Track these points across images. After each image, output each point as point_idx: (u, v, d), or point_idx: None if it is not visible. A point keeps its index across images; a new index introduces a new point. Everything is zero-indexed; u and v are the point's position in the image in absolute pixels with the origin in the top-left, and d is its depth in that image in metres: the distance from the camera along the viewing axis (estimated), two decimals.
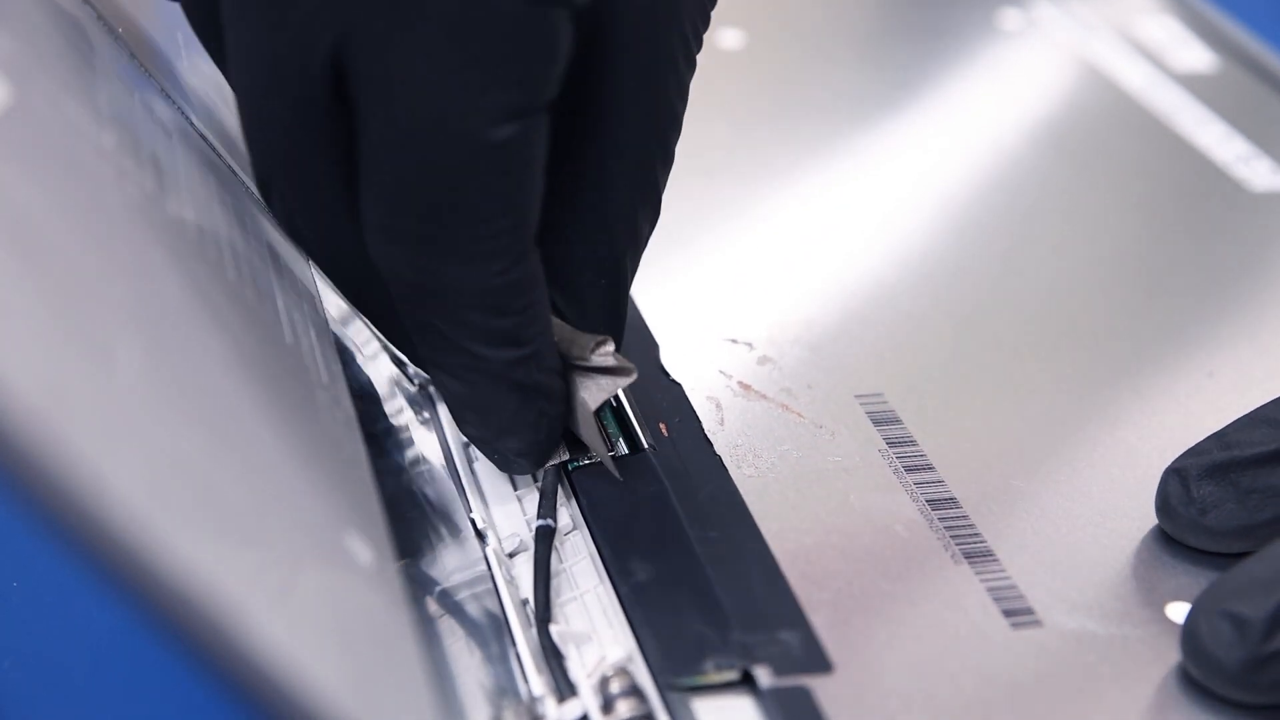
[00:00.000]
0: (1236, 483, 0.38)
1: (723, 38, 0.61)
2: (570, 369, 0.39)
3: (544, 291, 0.36)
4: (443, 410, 0.43)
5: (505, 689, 0.36)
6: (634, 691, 0.35)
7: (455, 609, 0.37)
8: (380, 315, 0.39)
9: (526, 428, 0.38)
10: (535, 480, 0.41)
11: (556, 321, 0.39)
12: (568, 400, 0.39)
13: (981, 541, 0.39)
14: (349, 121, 0.34)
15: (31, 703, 0.39)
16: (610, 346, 0.38)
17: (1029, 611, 0.37)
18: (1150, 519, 0.40)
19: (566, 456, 0.40)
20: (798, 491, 0.40)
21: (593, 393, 0.39)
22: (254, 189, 0.41)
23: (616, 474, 0.39)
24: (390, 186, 0.34)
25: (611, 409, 0.42)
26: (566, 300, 0.39)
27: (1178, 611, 0.38)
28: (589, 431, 0.39)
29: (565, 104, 0.35)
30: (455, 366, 0.37)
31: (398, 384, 0.43)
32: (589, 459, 0.40)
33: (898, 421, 0.43)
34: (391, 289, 0.36)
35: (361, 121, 0.33)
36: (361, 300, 0.38)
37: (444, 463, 0.41)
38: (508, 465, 0.40)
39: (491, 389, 0.37)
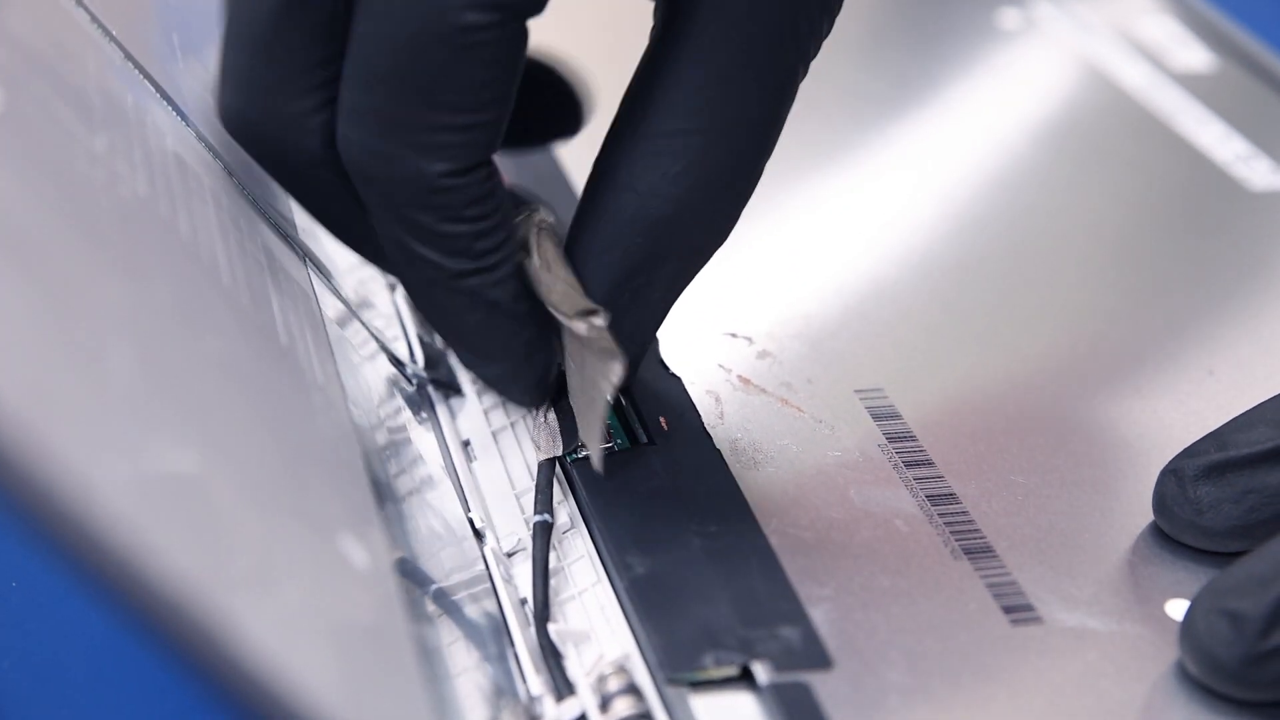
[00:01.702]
0: (1233, 483, 0.38)
1: None
2: (566, 333, 0.38)
3: (506, 212, 0.37)
4: (441, 410, 0.43)
5: (503, 689, 0.36)
6: (632, 689, 0.35)
7: (453, 609, 0.37)
8: (329, 220, 0.39)
9: (499, 351, 0.38)
10: (533, 477, 0.41)
11: (559, 275, 0.38)
12: (557, 335, 0.39)
13: (981, 537, 0.39)
14: (336, 9, 0.35)
15: (31, 703, 0.39)
16: (599, 320, 0.37)
17: (1028, 608, 0.37)
18: (1150, 516, 0.40)
19: (560, 452, 0.40)
20: (797, 486, 0.40)
21: (591, 367, 0.38)
22: (250, 191, 0.41)
23: (599, 466, 0.39)
24: (364, 61, 0.35)
25: (609, 402, 0.42)
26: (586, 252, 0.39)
27: (1177, 608, 0.37)
28: (588, 410, 0.39)
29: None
30: (415, 280, 0.37)
31: (395, 384, 0.43)
32: (585, 450, 0.40)
33: (897, 417, 0.43)
34: (356, 185, 0.36)
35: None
36: (308, 205, 0.39)
37: (442, 463, 0.41)
38: (505, 396, 0.41)
39: (449, 302, 0.37)
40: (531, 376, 0.39)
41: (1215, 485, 0.38)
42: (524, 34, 0.35)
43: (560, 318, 0.38)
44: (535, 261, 0.38)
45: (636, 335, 0.39)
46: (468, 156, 0.35)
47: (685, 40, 0.37)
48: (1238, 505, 0.38)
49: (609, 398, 0.38)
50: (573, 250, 0.38)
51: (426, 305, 0.38)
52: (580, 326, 0.37)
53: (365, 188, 0.36)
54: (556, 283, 0.38)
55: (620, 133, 0.38)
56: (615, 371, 0.38)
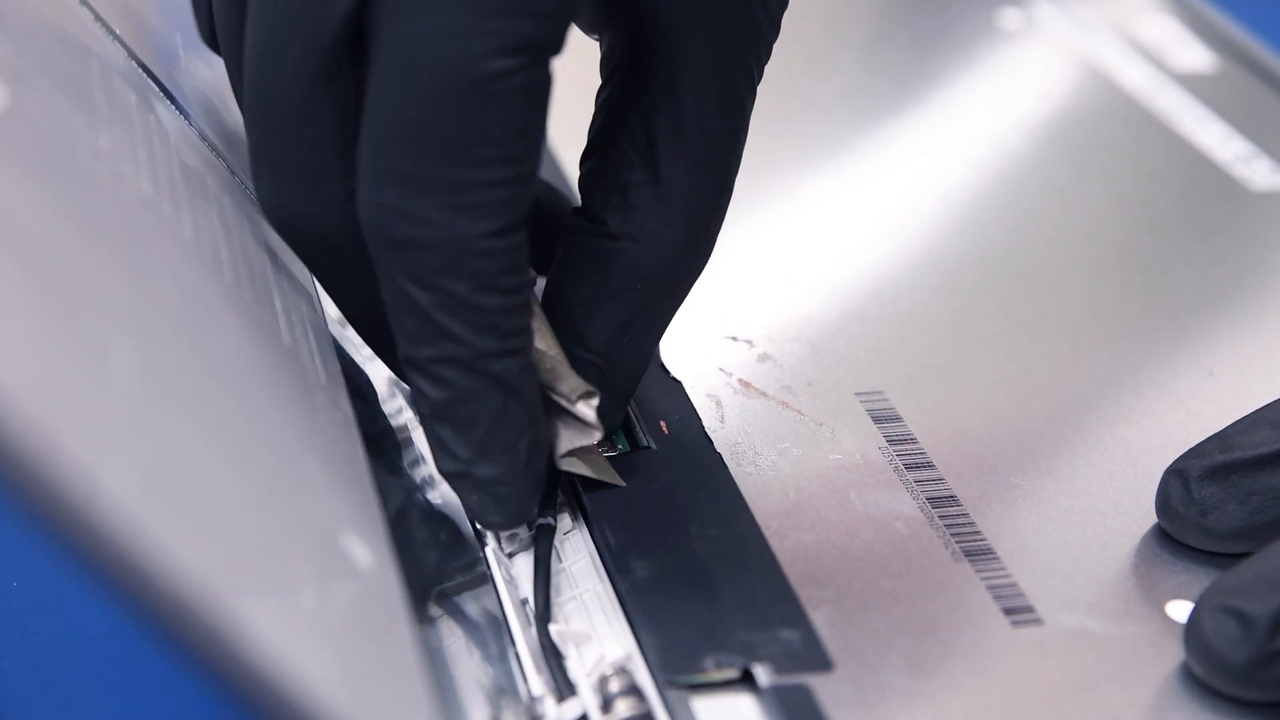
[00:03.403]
0: (1237, 484, 0.38)
1: None
2: (547, 403, 0.38)
3: (531, 291, 0.35)
4: None
5: (504, 689, 0.36)
6: (633, 690, 0.35)
7: (454, 609, 0.37)
8: (362, 315, 0.38)
9: (504, 449, 0.36)
10: None
11: (551, 350, 0.37)
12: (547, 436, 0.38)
13: (982, 540, 0.39)
14: (357, 82, 0.34)
15: (31, 703, 0.39)
16: (595, 401, 0.37)
17: (1029, 610, 0.37)
18: (1151, 517, 0.40)
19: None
20: (798, 489, 0.40)
21: (564, 439, 0.38)
22: (253, 189, 0.41)
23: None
24: (390, 123, 0.33)
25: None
26: (575, 327, 0.38)
27: (1178, 610, 0.38)
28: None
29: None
30: (433, 360, 0.35)
31: (397, 384, 0.43)
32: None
33: (898, 419, 0.43)
34: (376, 257, 0.35)
35: (372, 58, 0.33)
36: (345, 298, 0.38)
37: None
38: (485, 510, 0.37)
39: (468, 385, 0.35)
40: (528, 485, 0.37)
41: (1220, 486, 0.38)
42: (550, 77, 0.34)
43: (558, 398, 0.38)
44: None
45: (632, 381, 0.40)
46: (508, 214, 0.34)
47: (652, 80, 0.37)
48: (1242, 507, 0.38)
49: (566, 466, 0.38)
50: (568, 304, 0.38)
51: (437, 395, 0.36)
52: (584, 411, 0.37)
53: (392, 256, 0.34)
54: (546, 357, 0.37)
55: (603, 180, 0.38)
56: (595, 438, 0.38)
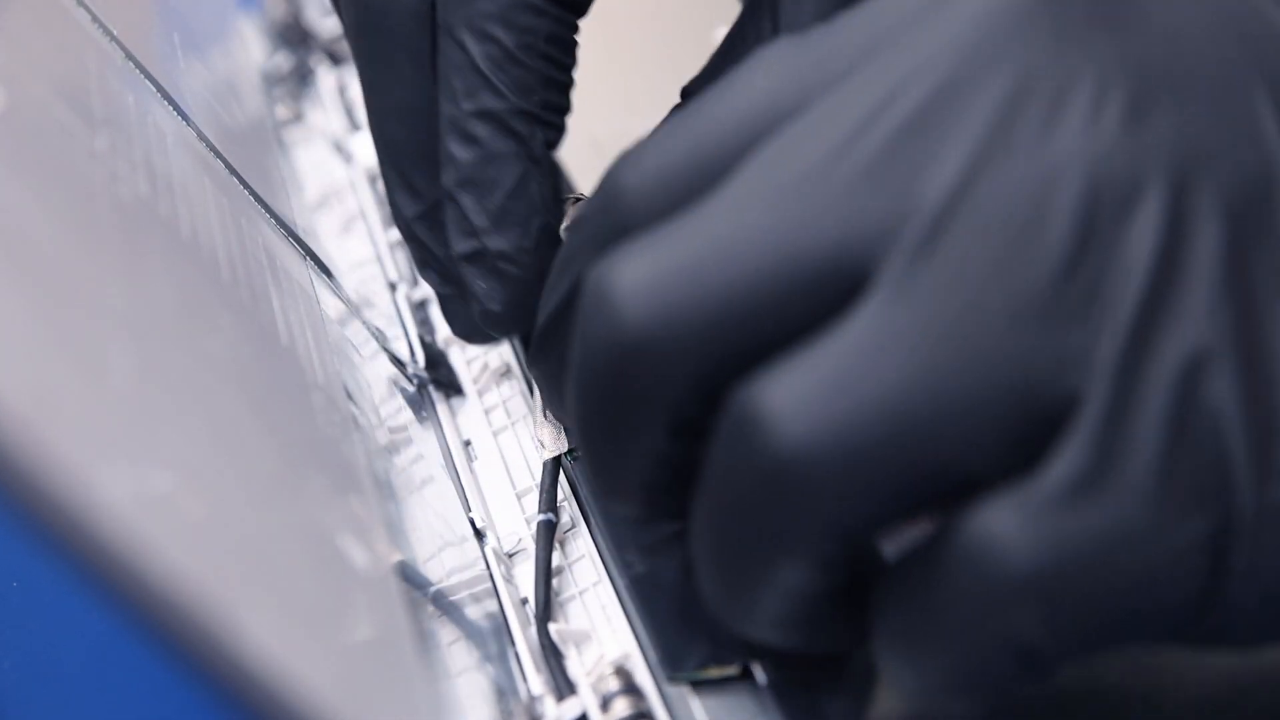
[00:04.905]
0: None
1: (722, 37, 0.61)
2: None
3: (568, 92, 0.38)
4: (442, 410, 0.43)
5: (504, 689, 0.36)
6: (633, 689, 0.35)
7: (453, 609, 0.37)
8: (387, 99, 0.40)
9: (518, 221, 0.38)
10: (534, 477, 0.41)
11: None
12: None
13: None
14: None
15: (31, 703, 0.39)
16: None
17: None
18: None
19: (567, 448, 0.40)
20: None
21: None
22: (250, 190, 0.41)
23: None
24: None
25: None
26: None
27: None
28: None
29: None
30: (471, 115, 0.38)
31: (396, 384, 0.43)
32: None
33: None
34: (442, 11, 0.38)
35: None
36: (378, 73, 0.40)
37: (442, 462, 0.41)
38: (489, 297, 0.39)
39: (495, 145, 0.38)
40: (531, 266, 0.39)
41: None
42: None
43: None
44: None
45: None
46: None
47: None
48: None
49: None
50: None
51: (465, 157, 0.38)
52: None
53: (456, 6, 0.37)
54: None
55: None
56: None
